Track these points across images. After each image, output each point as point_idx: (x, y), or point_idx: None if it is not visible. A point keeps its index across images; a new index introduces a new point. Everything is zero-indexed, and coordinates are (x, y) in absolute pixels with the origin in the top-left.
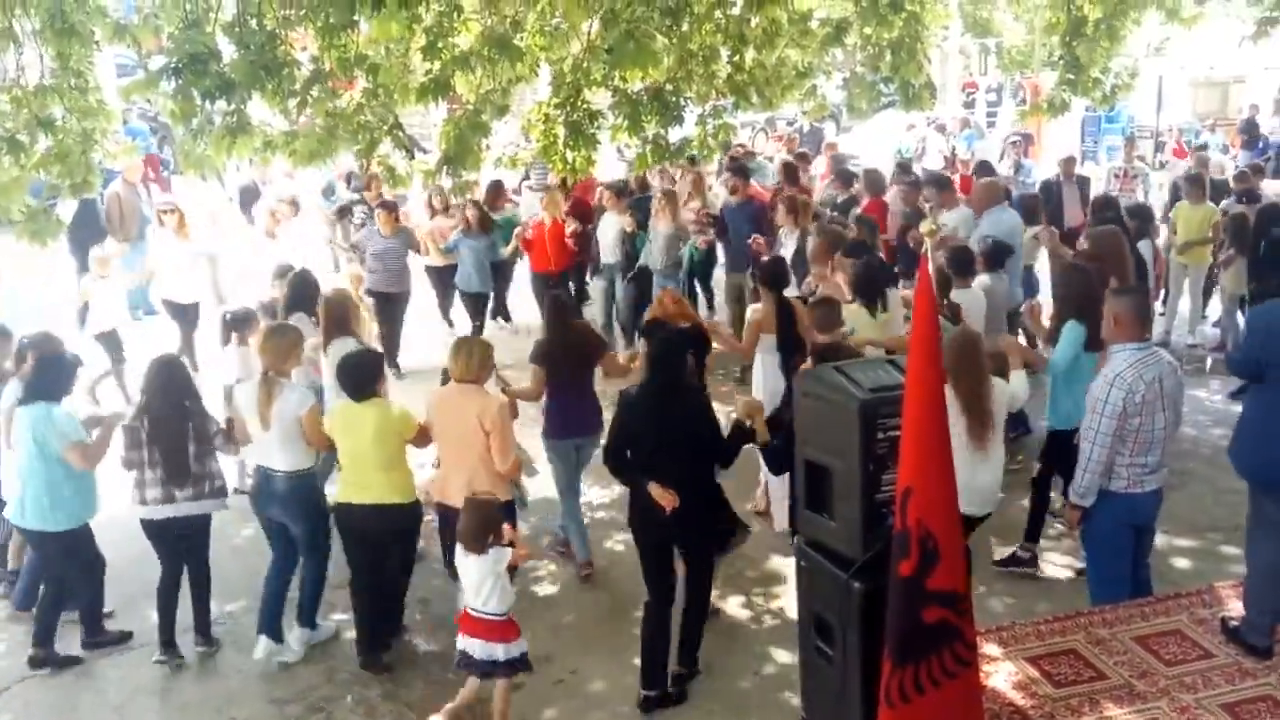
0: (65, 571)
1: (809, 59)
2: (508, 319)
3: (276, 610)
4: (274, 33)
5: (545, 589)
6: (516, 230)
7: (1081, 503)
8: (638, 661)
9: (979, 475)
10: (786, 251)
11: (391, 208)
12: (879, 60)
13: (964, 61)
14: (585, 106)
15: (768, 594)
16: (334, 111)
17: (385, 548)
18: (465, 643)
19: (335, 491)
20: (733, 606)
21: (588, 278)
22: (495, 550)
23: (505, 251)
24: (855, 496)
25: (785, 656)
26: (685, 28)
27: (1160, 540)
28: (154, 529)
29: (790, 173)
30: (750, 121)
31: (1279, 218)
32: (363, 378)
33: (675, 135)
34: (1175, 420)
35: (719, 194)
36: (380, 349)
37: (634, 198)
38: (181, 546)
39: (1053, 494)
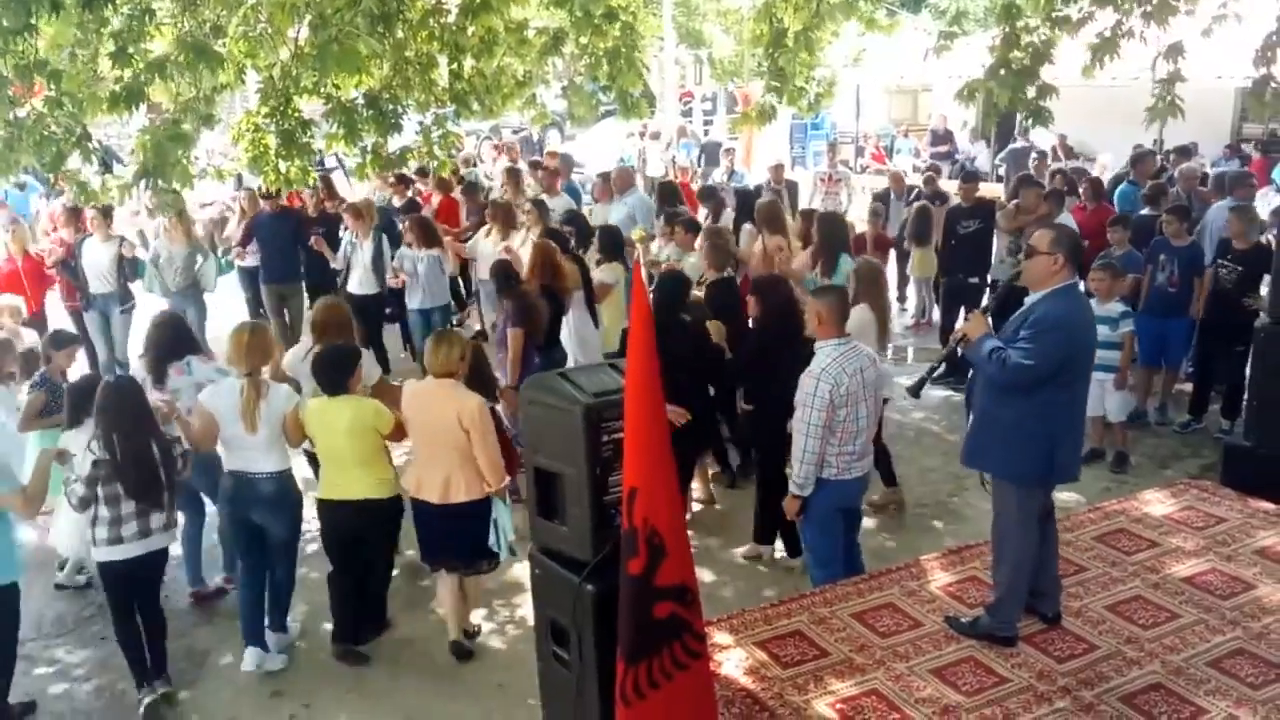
0: None
1: (528, 68)
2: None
3: (259, 617)
4: None
5: None
6: None
7: (801, 493)
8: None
9: (882, 365)
10: (364, 256)
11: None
12: (597, 69)
13: (680, 72)
14: (296, 115)
15: (509, 603)
16: (14, 121)
17: (366, 544)
18: None
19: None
20: (474, 618)
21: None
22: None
23: None
24: (585, 500)
25: (528, 666)
26: (400, 34)
27: (871, 519)
28: (118, 571)
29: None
30: (476, 130)
31: (964, 215)
32: (338, 373)
33: (397, 144)
34: (877, 409)
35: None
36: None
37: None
38: (136, 589)
39: None
